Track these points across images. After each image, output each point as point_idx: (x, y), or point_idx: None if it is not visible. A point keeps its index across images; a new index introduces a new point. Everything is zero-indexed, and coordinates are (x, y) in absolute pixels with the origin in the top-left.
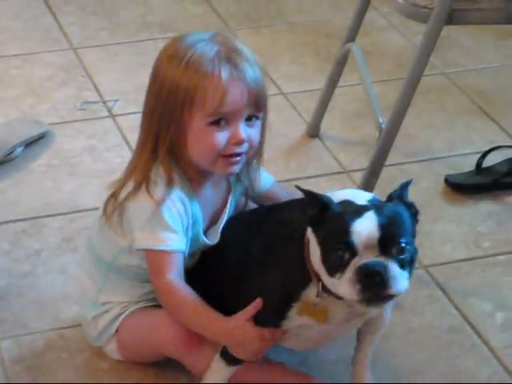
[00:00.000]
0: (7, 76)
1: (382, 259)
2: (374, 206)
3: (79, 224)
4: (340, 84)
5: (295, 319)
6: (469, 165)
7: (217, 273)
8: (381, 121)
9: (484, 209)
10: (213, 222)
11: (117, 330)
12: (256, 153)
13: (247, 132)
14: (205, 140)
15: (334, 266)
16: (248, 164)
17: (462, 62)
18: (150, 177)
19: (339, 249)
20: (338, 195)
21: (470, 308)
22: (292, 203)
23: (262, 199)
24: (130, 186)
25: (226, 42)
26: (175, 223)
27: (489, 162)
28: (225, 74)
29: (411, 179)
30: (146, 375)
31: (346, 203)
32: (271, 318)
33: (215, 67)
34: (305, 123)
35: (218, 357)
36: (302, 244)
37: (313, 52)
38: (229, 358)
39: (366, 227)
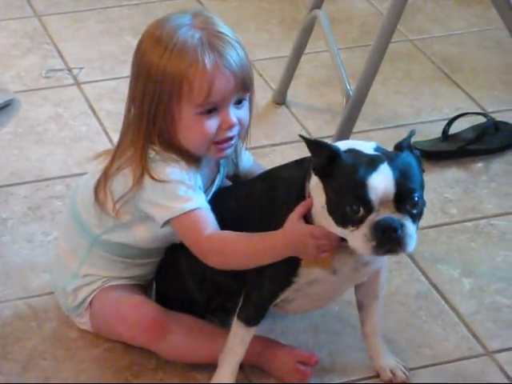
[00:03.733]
0: None
1: (397, 215)
2: (386, 156)
3: (46, 192)
4: (306, 51)
5: (306, 273)
6: (435, 132)
7: None
8: (348, 88)
9: (450, 176)
10: None
11: (90, 304)
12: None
13: (237, 115)
14: (196, 129)
15: (347, 220)
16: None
17: (428, 28)
18: (148, 159)
19: (354, 203)
20: (341, 145)
21: (437, 274)
22: (273, 169)
23: (240, 178)
24: (128, 173)
25: (207, 25)
26: (193, 180)
27: (455, 129)
28: (209, 63)
29: (415, 130)
30: (113, 345)
31: (355, 153)
32: (284, 274)
33: (199, 57)
34: (271, 90)
35: (235, 320)
36: (300, 197)
37: (278, 19)
38: (246, 319)
39: (382, 182)
